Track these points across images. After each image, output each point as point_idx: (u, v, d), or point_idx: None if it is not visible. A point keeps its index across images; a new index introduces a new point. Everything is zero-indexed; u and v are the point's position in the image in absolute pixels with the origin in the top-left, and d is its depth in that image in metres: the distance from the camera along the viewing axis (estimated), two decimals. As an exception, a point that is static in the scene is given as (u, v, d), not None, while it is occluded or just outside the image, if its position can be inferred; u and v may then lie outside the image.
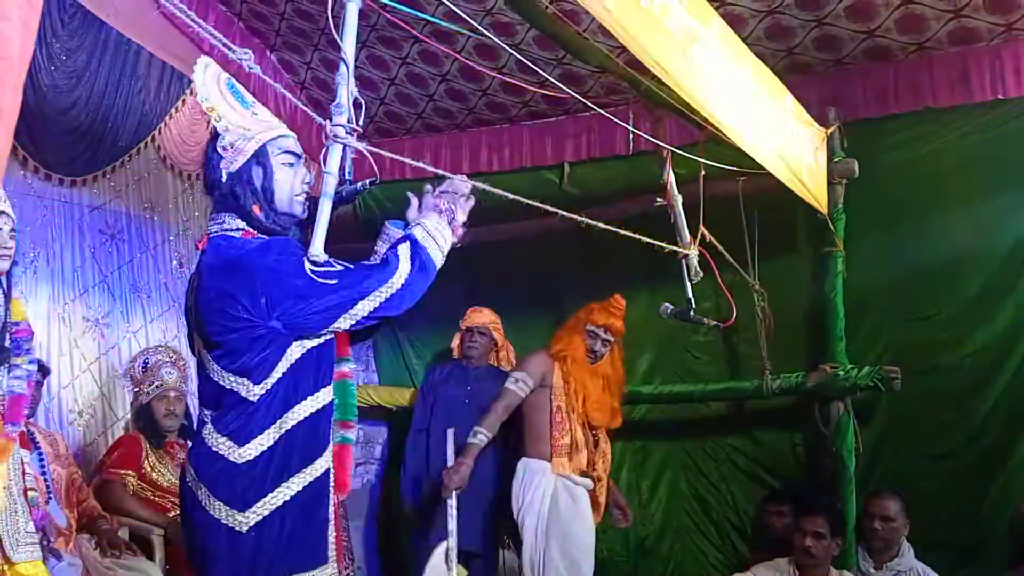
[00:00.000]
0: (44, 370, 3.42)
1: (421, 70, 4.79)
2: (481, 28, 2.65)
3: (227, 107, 1.99)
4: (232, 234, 1.99)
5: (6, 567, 2.75)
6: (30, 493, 2.95)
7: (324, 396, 1.94)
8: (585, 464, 3.81)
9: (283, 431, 1.88)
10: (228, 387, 1.90)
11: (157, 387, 3.81)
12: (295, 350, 1.90)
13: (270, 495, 1.87)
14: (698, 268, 3.31)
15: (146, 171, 4.40)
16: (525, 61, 3.16)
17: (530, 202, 2.76)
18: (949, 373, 4.08)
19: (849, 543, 3.76)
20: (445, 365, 4.65)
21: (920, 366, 4.04)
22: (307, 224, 2.02)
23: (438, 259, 2.02)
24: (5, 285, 2.58)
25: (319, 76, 5.02)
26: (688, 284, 3.33)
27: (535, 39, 4.29)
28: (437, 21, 3.47)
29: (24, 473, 2.94)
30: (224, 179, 1.98)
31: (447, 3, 2.38)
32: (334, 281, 1.86)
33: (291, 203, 2.02)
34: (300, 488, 1.89)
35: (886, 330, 4.21)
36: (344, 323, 1.89)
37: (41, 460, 3.21)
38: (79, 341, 4.04)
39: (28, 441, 3.16)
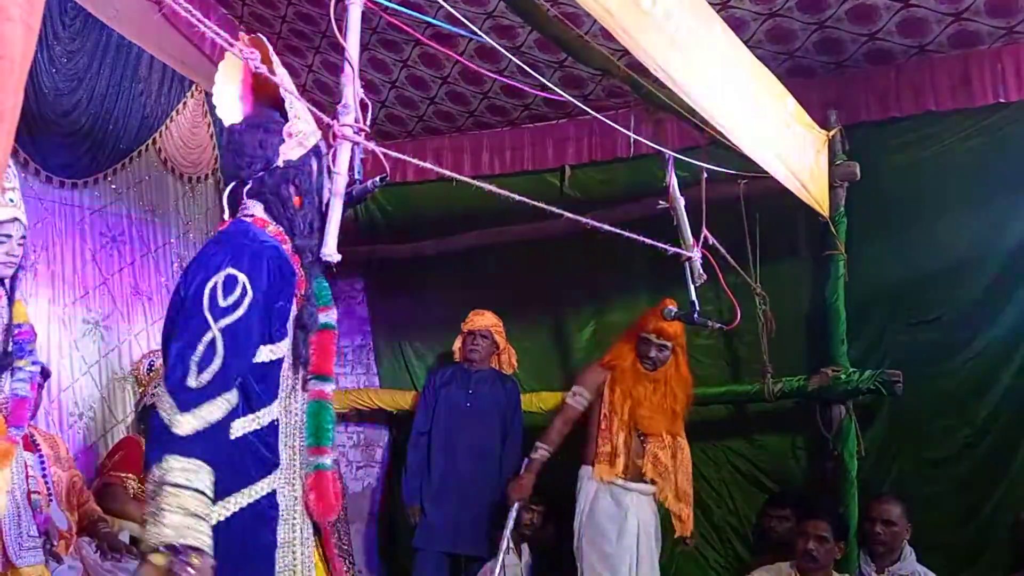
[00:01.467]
0: (45, 373, 3.42)
1: (422, 73, 4.79)
2: (480, 33, 2.63)
3: (294, 99, 1.97)
4: (246, 219, 1.96)
5: (10, 572, 2.74)
6: (34, 496, 2.95)
7: (264, 416, 1.82)
8: (622, 469, 3.82)
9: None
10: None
11: (162, 388, 3.80)
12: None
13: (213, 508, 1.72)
14: (701, 271, 3.31)
15: (147, 174, 4.40)
16: (524, 67, 3.16)
17: (534, 203, 2.76)
18: (951, 377, 4.07)
19: (851, 547, 3.76)
20: (447, 368, 4.64)
21: (922, 370, 4.03)
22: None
23: None
24: (8, 288, 2.58)
25: (320, 79, 5.02)
26: (692, 287, 3.33)
27: (536, 42, 4.29)
28: (438, 24, 3.47)
29: (28, 476, 2.95)
30: (280, 163, 1.95)
31: (447, 6, 2.38)
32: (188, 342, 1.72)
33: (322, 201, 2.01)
34: (235, 510, 1.75)
35: (888, 333, 4.20)
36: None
37: (42, 462, 3.20)
38: (79, 343, 4.04)
39: (30, 444, 3.16)
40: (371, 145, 1.85)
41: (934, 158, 4.13)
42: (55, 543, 3.13)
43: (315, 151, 1.99)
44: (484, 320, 4.53)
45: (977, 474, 4.01)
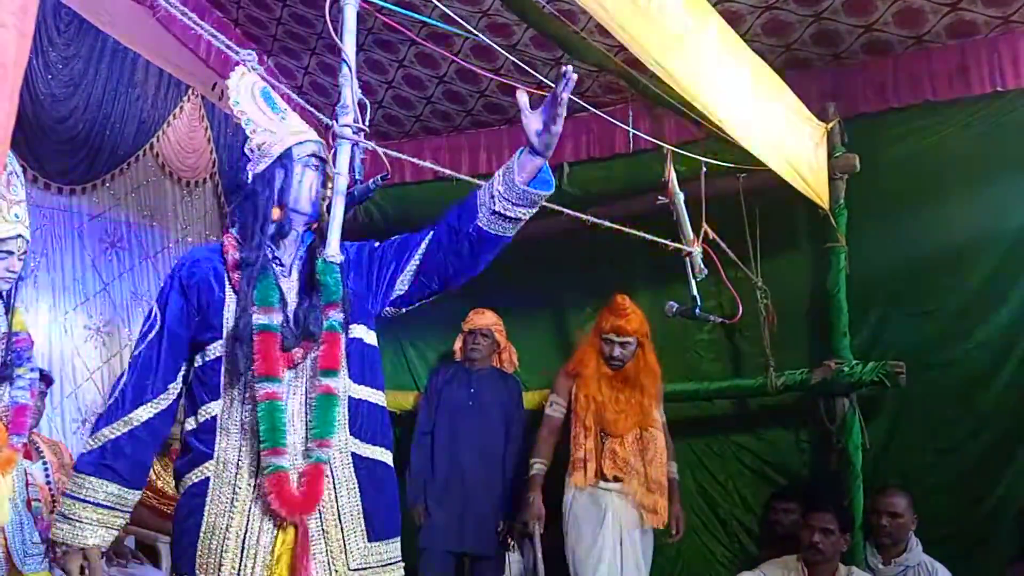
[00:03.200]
0: (47, 379, 3.42)
1: (418, 73, 4.79)
2: (475, 32, 2.63)
3: (257, 111, 2.01)
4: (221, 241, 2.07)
5: (13, 578, 2.75)
6: (34, 504, 2.95)
7: (203, 414, 1.95)
8: (595, 473, 3.82)
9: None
10: None
11: (163, 395, 3.80)
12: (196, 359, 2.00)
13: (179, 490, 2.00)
14: (702, 265, 3.31)
15: (145, 179, 4.39)
16: (521, 64, 3.16)
17: (542, 202, 2.75)
18: (954, 367, 4.06)
19: (857, 539, 3.75)
20: (448, 367, 4.64)
21: (924, 360, 4.03)
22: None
23: None
24: (6, 297, 2.58)
25: (317, 81, 5.02)
26: (693, 281, 3.32)
27: (532, 39, 4.29)
28: (434, 23, 3.47)
29: (28, 484, 2.95)
30: (249, 180, 2.00)
31: (442, 6, 2.37)
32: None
33: (307, 203, 2.02)
34: (183, 491, 1.98)
35: (890, 325, 4.20)
36: None
37: (46, 470, 3.21)
38: (80, 350, 4.03)
39: (33, 451, 3.16)
40: (371, 145, 1.85)
41: (933, 148, 4.13)
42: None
43: (281, 160, 1.99)
44: (484, 319, 4.52)
45: (981, 463, 4.00)
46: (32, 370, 2.67)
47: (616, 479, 3.80)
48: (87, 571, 1.95)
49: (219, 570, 1.86)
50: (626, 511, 3.79)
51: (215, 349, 1.96)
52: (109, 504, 1.94)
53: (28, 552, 2.89)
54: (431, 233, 2.07)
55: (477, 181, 2.69)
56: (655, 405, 3.93)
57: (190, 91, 4.54)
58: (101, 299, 4.16)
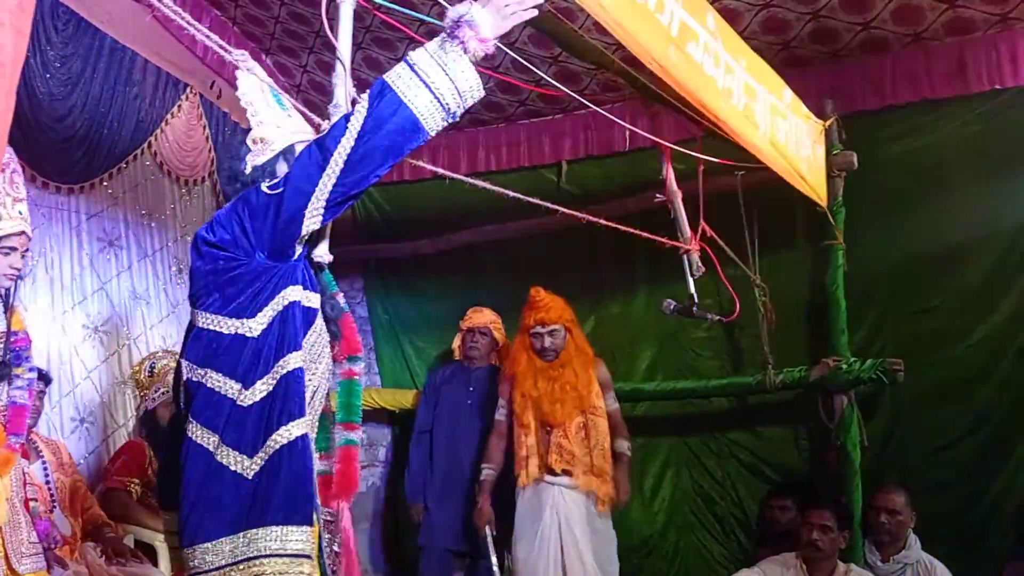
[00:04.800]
0: (46, 379, 3.41)
1: (417, 71, 4.78)
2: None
3: (264, 105, 2.02)
4: None
5: (11, 578, 2.74)
6: (32, 504, 2.95)
7: (295, 359, 1.83)
8: (538, 468, 3.85)
9: (280, 375, 1.81)
10: (226, 331, 1.84)
11: (163, 393, 3.80)
12: (288, 293, 1.84)
13: (272, 438, 1.78)
14: (700, 263, 3.30)
15: (143, 177, 4.39)
16: (521, 60, 3.15)
17: (531, 199, 2.76)
18: (952, 364, 4.07)
19: (855, 537, 3.76)
20: (447, 366, 4.64)
21: (923, 357, 4.03)
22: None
23: (422, 98, 1.80)
24: (5, 296, 2.58)
25: (315, 79, 5.01)
26: (691, 279, 3.32)
27: (530, 37, 4.28)
28: (432, 20, 3.46)
29: (25, 484, 2.94)
30: (248, 170, 1.99)
31: (441, 2, 2.37)
32: (280, 189, 1.82)
33: None
34: (299, 433, 1.80)
35: (888, 322, 4.20)
36: (312, 220, 1.81)
37: (45, 469, 3.21)
38: (79, 349, 4.02)
39: (31, 450, 3.16)
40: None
41: (931, 146, 4.13)
42: (59, 544, 3.13)
43: (286, 152, 1.99)
44: (483, 317, 4.52)
45: (979, 460, 4.01)
46: (31, 370, 2.66)
47: (565, 472, 3.80)
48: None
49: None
50: (572, 505, 3.79)
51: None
52: None
53: (24, 553, 2.88)
54: None
55: (474, 181, 2.71)
56: (594, 390, 3.91)
57: (188, 90, 4.53)
58: (99, 298, 4.16)
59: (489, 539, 3.90)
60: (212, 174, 4.73)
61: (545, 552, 3.77)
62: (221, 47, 1.68)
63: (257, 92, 2.02)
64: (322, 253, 1.88)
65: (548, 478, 3.84)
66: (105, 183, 4.18)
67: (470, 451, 4.27)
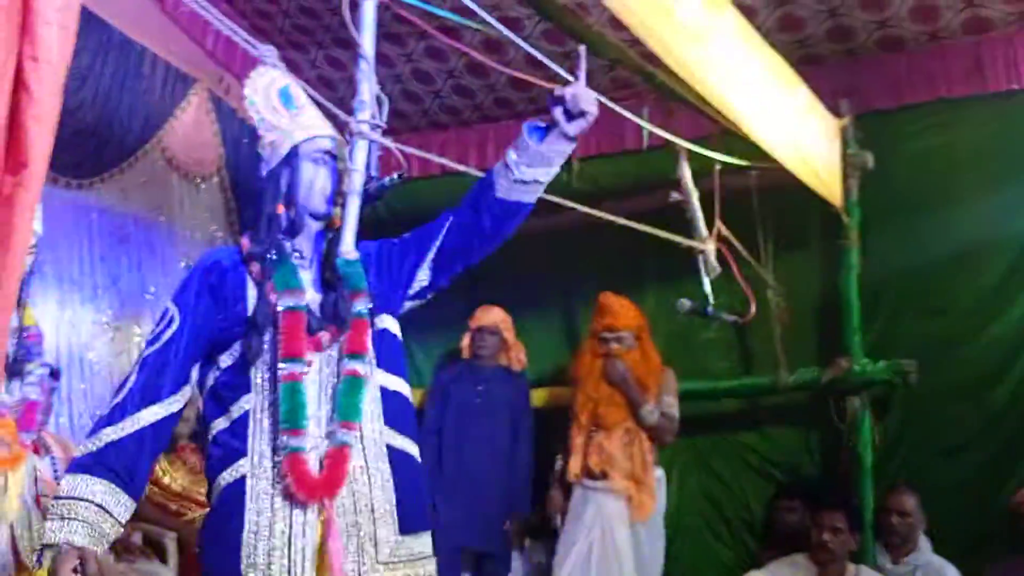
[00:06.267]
0: (55, 374, 3.40)
1: (427, 66, 4.76)
2: (491, 19, 2.60)
3: (270, 111, 2.00)
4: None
5: (24, 575, 2.73)
6: (43, 500, 2.94)
7: (236, 411, 1.90)
8: (580, 468, 3.84)
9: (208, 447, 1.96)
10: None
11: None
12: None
13: (210, 498, 1.94)
14: (715, 263, 3.28)
15: (152, 173, 4.36)
16: (535, 54, 3.12)
17: (550, 198, 2.74)
18: (965, 365, 4.04)
19: (866, 538, 3.74)
20: (455, 365, 4.61)
21: (935, 359, 4.00)
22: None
23: None
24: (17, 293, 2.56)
25: (324, 75, 4.99)
26: (706, 280, 3.30)
27: (543, 33, 4.26)
28: (447, 14, 3.44)
29: (36, 480, 2.93)
30: (262, 180, 2.00)
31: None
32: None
33: (319, 201, 2.00)
34: (215, 498, 1.91)
35: (901, 323, 4.17)
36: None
37: (54, 465, 3.19)
38: (90, 345, 4.02)
39: (40, 447, 3.14)
40: (387, 142, 1.83)
41: (947, 146, 4.10)
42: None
43: (288, 158, 1.98)
44: (492, 316, 4.49)
45: (991, 462, 3.98)
46: (43, 365, 2.66)
47: (603, 474, 3.79)
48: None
49: (268, 569, 1.82)
50: (614, 510, 3.77)
51: (240, 346, 1.93)
52: (102, 504, 1.78)
53: (36, 549, 2.87)
54: (450, 219, 2.07)
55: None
56: (653, 399, 3.88)
57: (197, 85, 4.51)
58: (110, 294, 4.14)
59: (558, 528, 3.94)
60: (220, 170, 4.71)
61: (580, 550, 3.76)
62: (248, 41, 1.66)
63: (264, 98, 2.00)
64: (348, 249, 1.86)
65: (590, 482, 3.83)
66: (115, 178, 4.16)
67: (479, 450, 4.25)
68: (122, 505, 1.81)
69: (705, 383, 4.40)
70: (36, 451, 2.96)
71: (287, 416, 1.86)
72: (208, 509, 1.98)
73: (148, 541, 3.54)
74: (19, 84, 1.24)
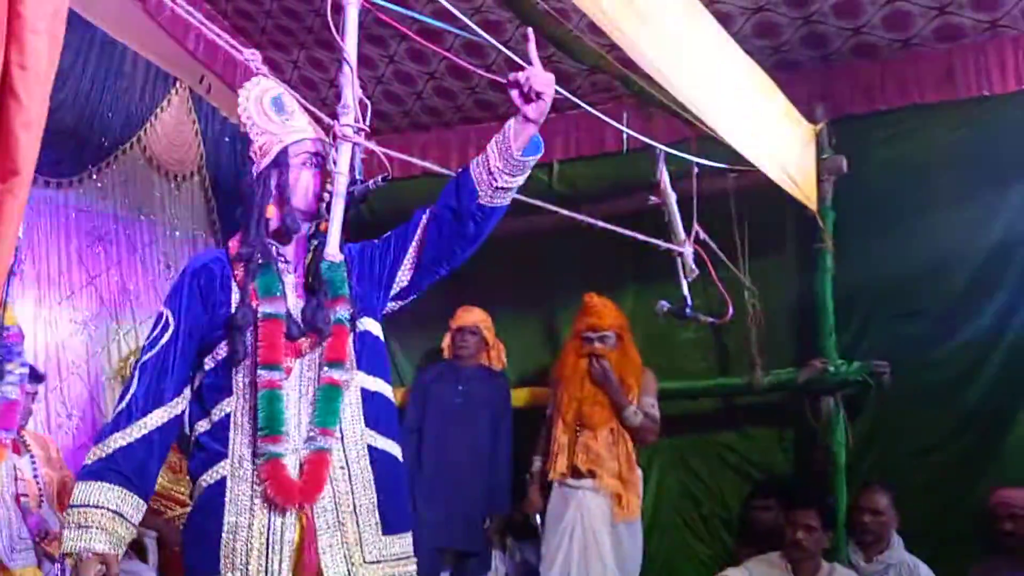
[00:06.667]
0: (39, 377, 3.39)
1: (409, 68, 4.78)
2: (472, 24, 2.63)
3: (261, 116, 2.04)
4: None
5: (2, 574, 2.74)
6: (22, 499, 2.94)
7: (217, 413, 1.95)
8: (566, 467, 3.87)
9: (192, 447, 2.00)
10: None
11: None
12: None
13: (193, 498, 2.00)
14: (693, 265, 3.33)
15: (132, 172, 4.35)
16: (514, 58, 3.15)
17: (521, 198, 2.76)
18: (936, 367, 4.11)
19: (839, 536, 3.80)
20: (436, 365, 4.64)
21: (908, 360, 4.07)
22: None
23: None
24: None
25: (306, 75, 5.00)
26: (684, 282, 3.34)
27: (524, 36, 4.28)
28: (427, 20, 3.46)
29: (16, 479, 2.94)
30: (252, 181, 2.03)
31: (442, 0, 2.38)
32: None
33: (306, 201, 2.03)
34: (195, 500, 1.98)
35: (874, 325, 4.24)
36: None
37: (33, 463, 3.19)
38: (66, 344, 4.00)
39: (20, 445, 3.14)
40: (371, 145, 1.86)
41: (919, 151, 4.17)
42: (49, 540, 3.13)
43: (277, 159, 2.01)
44: (472, 316, 4.52)
45: (962, 463, 4.05)
46: (23, 365, 2.66)
47: (590, 473, 3.83)
48: None
49: (246, 569, 1.85)
50: (596, 509, 3.81)
51: (224, 347, 1.97)
52: (116, 509, 1.84)
53: (15, 548, 2.88)
54: (425, 219, 2.11)
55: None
56: (636, 399, 3.93)
57: (178, 84, 4.50)
58: (87, 293, 4.13)
59: (538, 527, 4.02)
60: (201, 169, 4.71)
61: (565, 552, 3.81)
62: (233, 47, 1.68)
63: (255, 105, 2.03)
64: (333, 252, 1.89)
65: (573, 481, 3.86)
66: (95, 177, 4.15)
67: (459, 450, 4.27)
68: (134, 507, 1.88)
69: (683, 383, 4.45)
70: (16, 450, 2.97)
71: (265, 423, 1.89)
72: (190, 508, 2.04)
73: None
74: (7, 91, 1.25)
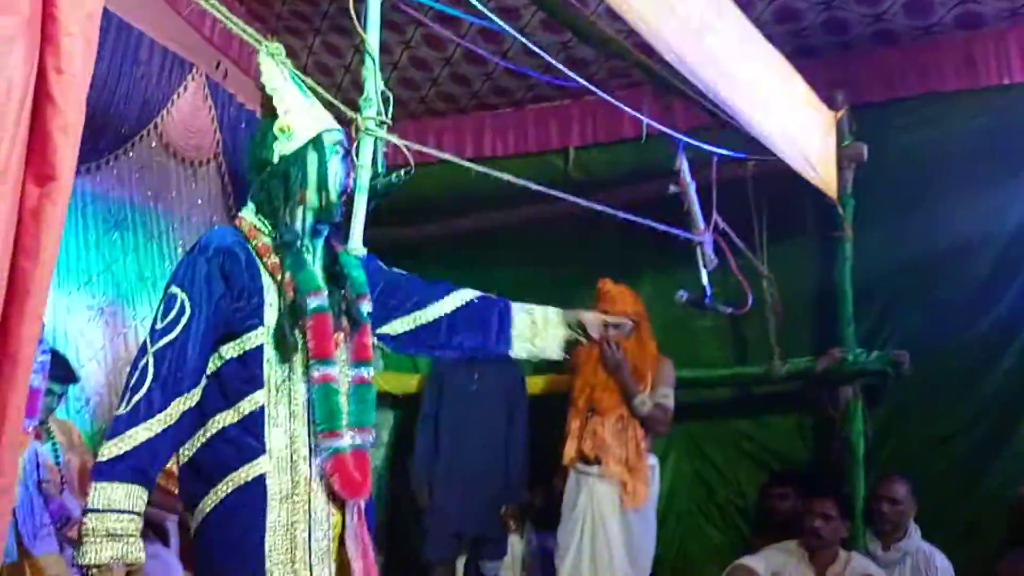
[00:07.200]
0: (72, 377, 3.39)
1: (425, 54, 4.76)
2: (488, 12, 2.62)
3: (290, 93, 1.98)
4: (233, 225, 2.02)
5: (25, 560, 2.76)
6: (44, 485, 2.96)
7: (246, 406, 1.87)
8: (575, 452, 3.88)
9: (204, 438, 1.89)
10: None
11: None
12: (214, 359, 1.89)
13: (202, 500, 1.86)
14: (712, 255, 3.31)
15: (149, 159, 4.35)
16: (530, 45, 3.13)
17: (536, 186, 2.76)
18: (955, 356, 4.08)
19: (857, 525, 3.79)
20: (451, 353, 4.64)
21: (926, 349, 4.04)
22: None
23: None
24: None
25: (321, 61, 4.98)
26: (704, 271, 3.33)
27: (541, 23, 4.26)
28: (443, 8, 3.45)
29: (38, 466, 2.96)
30: (276, 160, 1.95)
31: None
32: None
33: (335, 192, 2.00)
34: (222, 497, 1.85)
35: (893, 313, 4.21)
36: None
37: (55, 450, 3.21)
38: (84, 330, 4.02)
39: (43, 432, 3.16)
40: (394, 138, 1.85)
41: (939, 139, 4.13)
42: (68, 530, 3.15)
43: (315, 141, 1.96)
44: (488, 304, 4.51)
45: (979, 451, 4.04)
46: (44, 352, 2.67)
47: (597, 459, 3.83)
48: None
49: (292, 565, 1.83)
50: (604, 496, 3.82)
51: (255, 337, 1.89)
52: (141, 512, 1.77)
53: (38, 535, 2.90)
54: (447, 319, 2.19)
55: (480, 168, 2.70)
56: (648, 388, 3.90)
57: (194, 70, 4.49)
58: (104, 279, 4.14)
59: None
60: (217, 156, 4.70)
61: (577, 540, 3.82)
62: (255, 39, 1.67)
63: (280, 80, 1.99)
64: (356, 246, 1.89)
65: (582, 467, 3.87)
66: (111, 164, 4.15)
67: (475, 437, 4.29)
68: (144, 501, 1.79)
69: (700, 371, 4.43)
70: (38, 437, 2.99)
71: (324, 418, 1.87)
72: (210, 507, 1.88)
73: (149, 523, 3.56)
74: (44, 95, 1.24)
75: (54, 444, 3.21)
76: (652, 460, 3.96)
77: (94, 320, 4.10)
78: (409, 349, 2.21)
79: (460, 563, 4.39)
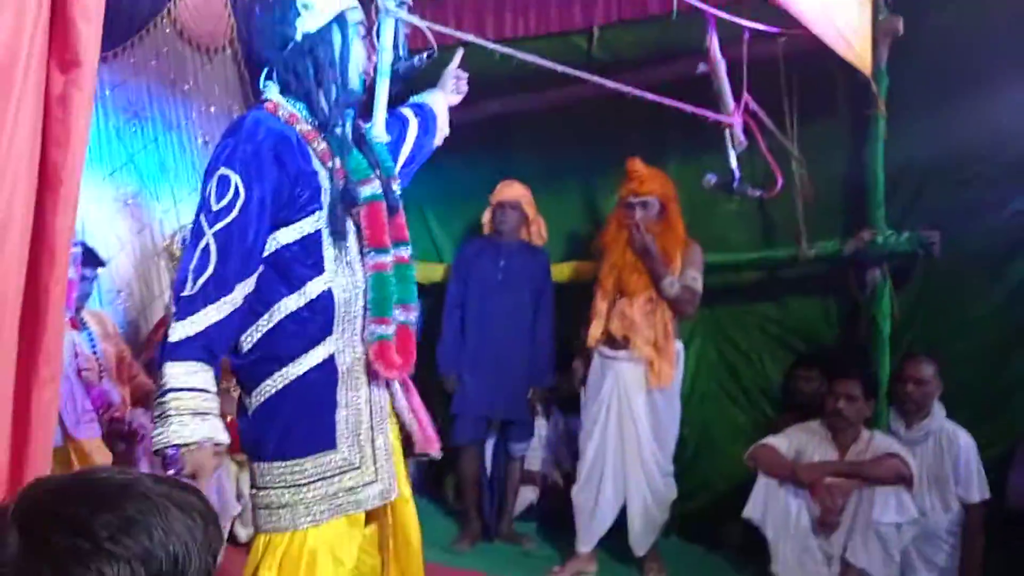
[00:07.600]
0: (99, 262, 3.43)
1: (442, -70, 4.57)
2: None
3: None
4: (262, 106, 1.96)
5: (71, 444, 2.86)
6: (84, 373, 3.04)
7: (311, 289, 1.90)
8: (600, 333, 3.92)
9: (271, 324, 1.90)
10: None
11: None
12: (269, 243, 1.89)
13: (267, 381, 1.90)
14: (742, 137, 3.23)
15: (164, 46, 4.28)
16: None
17: (560, 68, 2.68)
18: (986, 237, 3.99)
19: (881, 406, 3.83)
20: (476, 240, 4.64)
21: (957, 230, 3.97)
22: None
23: None
24: None
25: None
26: (732, 153, 3.25)
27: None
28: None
29: (76, 355, 3.02)
30: (300, 38, 1.90)
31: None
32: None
33: (357, 74, 1.97)
34: (293, 378, 1.90)
35: (925, 193, 4.11)
36: None
37: (91, 339, 3.28)
38: (112, 222, 4.04)
39: (76, 322, 3.22)
40: (416, 20, 1.79)
41: (980, 15, 3.93)
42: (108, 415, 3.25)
43: (339, 20, 1.90)
44: (513, 191, 4.47)
45: (1008, 334, 4.01)
46: (75, 244, 2.69)
47: (625, 339, 3.86)
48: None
49: (357, 437, 1.92)
50: (631, 376, 3.86)
51: (312, 222, 1.90)
52: (216, 392, 1.80)
53: (80, 420, 2.99)
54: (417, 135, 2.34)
55: (502, 48, 2.63)
56: (675, 271, 3.90)
57: (205, -48, 4.35)
58: (128, 171, 4.14)
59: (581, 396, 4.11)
60: (232, 42, 4.61)
61: (603, 421, 3.90)
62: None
63: None
64: (379, 132, 1.85)
65: (609, 351, 3.91)
66: (127, 51, 4.08)
67: (501, 325, 4.33)
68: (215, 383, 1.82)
69: (726, 255, 4.40)
70: (75, 326, 3.04)
71: (376, 304, 1.92)
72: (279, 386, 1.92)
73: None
74: None
75: (89, 334, 3.27)
76: (678, 345, 3.99)
77: (120, 212, 4.12)
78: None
79: (488, 446, 4.51)
